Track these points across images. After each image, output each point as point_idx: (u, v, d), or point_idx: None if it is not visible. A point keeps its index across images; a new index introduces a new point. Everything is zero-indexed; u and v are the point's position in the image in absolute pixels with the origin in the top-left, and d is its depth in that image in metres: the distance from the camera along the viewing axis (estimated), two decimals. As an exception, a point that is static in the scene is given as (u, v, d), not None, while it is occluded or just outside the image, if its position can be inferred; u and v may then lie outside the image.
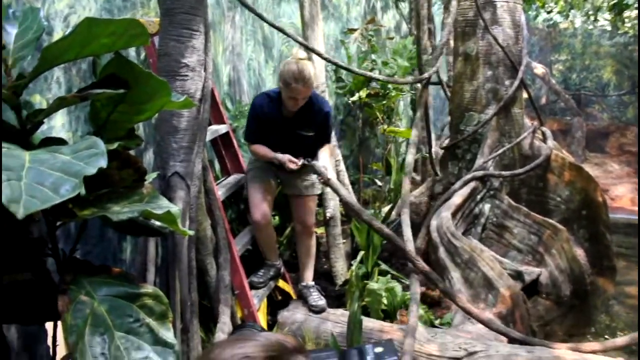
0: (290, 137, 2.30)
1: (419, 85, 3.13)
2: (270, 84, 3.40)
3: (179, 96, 1.29)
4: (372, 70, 3.93)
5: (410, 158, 2.70)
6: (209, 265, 1.93)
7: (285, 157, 2.20)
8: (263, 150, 2.29)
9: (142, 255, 1.65)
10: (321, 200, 2.88)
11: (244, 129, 2.41)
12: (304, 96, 2.17)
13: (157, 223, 1.22)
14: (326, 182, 2.11)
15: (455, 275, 2.49)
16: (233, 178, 2.54)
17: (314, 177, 2.47)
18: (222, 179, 2.56)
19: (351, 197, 2.27)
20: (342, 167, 3.10)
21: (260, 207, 2.31)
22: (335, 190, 2.17)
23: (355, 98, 3.94)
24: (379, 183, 4.15)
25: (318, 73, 2.92)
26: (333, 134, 2.75)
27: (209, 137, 2.21)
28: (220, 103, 2.53)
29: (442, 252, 2.59)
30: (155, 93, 1.13)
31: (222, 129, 2.48)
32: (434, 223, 2.70)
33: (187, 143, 1.73)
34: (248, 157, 2.59)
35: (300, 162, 2.19)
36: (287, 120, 2.28)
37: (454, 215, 2.73)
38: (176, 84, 1.69)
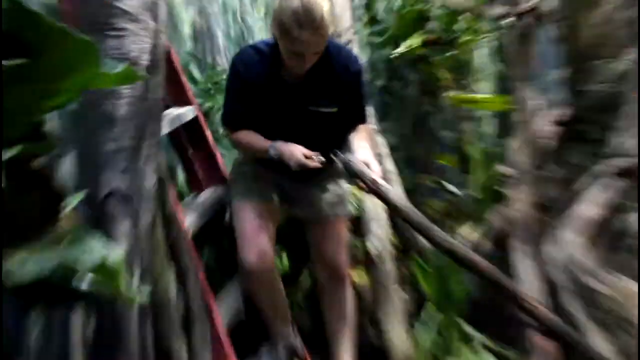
0: (299, 118, 2.29)
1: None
2: (262, 34, 3.40)
3: (113, 64, 1.29)
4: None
5: (517, 144, 2.67)
6: (177, 348, 1.91)
7: (292, 149, 2.16)
8: (252, 139, 2.29)
9: (61, 338, 1.63)
10: (357, 226, 2.84)
11: (222, 109, 2.41)
12: (316, 50, 2.13)
13: (86, 281, 1.18)
14: (373, 189, 2.07)
15: (595, 338, 2.43)
16: (209, 194, 2.55)
17: (345, 186, 2.43)
18: (191, 196, 2.56)
19: (415, 212, 2.21)
20: (390, 165, 3.09)
21: (256, 241, 2.29)
22: (388, 201, 2.12)
23: (402, 49, 3.92)
24: (452, 189, 4.09)
25: (339, 12, 2.91)
26: (371, 109, 2.72)
27: (166, 129, 2.22)
28: (182, 71, 2.54)
29: (568, 300, 2.54)
30: (76, 61, 1.12)
31: (186, 113, 2.51)
32: (551, 251, 2.66)
33: (131, 141, 1.73)
34: (232, 157, 2.58)
35: (318, 157, 2.14)
36: (291, 89, 2.26)
37: (585, 236, 2.67)
38: (109, 44, 1.69)
